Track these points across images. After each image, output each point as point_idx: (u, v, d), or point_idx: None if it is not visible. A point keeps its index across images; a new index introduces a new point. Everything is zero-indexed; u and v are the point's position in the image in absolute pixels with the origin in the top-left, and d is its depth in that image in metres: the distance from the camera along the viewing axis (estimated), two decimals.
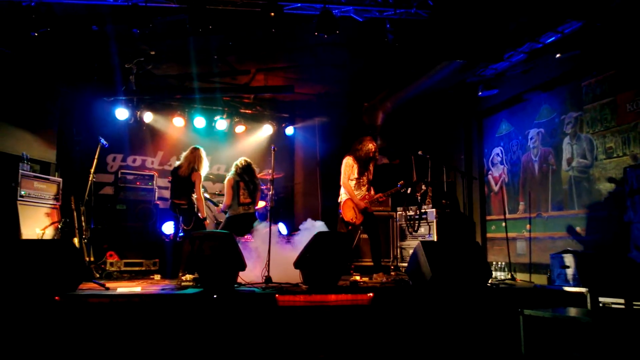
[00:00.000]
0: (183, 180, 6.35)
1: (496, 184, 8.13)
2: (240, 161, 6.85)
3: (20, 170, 6.44)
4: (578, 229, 6.48)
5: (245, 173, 6.74)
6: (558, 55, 6.58)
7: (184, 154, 6.55)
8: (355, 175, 6.42)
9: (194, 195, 6.35)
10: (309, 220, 6.72)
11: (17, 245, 4.95)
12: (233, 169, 6.83)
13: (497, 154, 8.14)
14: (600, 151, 6.24)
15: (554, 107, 7.02)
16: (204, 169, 6.53)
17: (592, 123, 6.39)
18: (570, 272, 5.50)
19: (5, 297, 4.01)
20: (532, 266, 6.98)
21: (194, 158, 6.45)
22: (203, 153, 6.54)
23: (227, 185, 6.73)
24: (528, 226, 7.28)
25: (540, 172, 7.21)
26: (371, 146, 6.43)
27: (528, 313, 3.72)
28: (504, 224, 7.36)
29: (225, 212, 6.82)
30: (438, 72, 7.41)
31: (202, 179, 6.54)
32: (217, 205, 7.56)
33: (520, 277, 6.92)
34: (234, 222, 6.59)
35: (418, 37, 5.92)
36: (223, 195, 7.92)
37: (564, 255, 5.69)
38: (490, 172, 8.31)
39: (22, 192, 6.37)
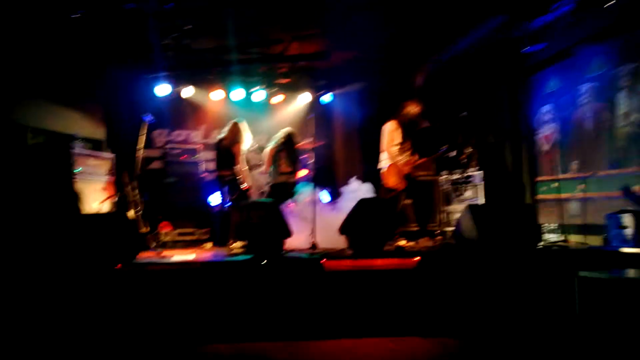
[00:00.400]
0: (225, 152, 6.52)
1: (546, 144, 7.84)
2: (283, 131, 6.93)
3: (74, 149, 6.72)
4: (637, 187, 6.18)
5: (287, 143, 6.80)
6: (611, 2, 6.17)
7: (225, 128, 6.71)
8: (399, 140, 6.32)
9: (237, 167, 6.50)
10: (354, 182, 6.73)
11: (78, 219, 5.21)
12: (276, 139, 6.90)
13: (547, 112, 7.83)
14: None
15: (607, 60, 6.64)
16: (246, 142, 6.67)
17: None
18: (628, 232, 5.29)
19: (70, 268, 4.24)
20: (586, 227, 6.73)
21: (236, 131, 6.60)
22: (244, 126, 6.67)
23: (268, 153, 6.84)
24: (581, 186, 7.00)
25: (594, 129, 6.89)
26: (416, 109, 6.29)
27: (583, 275, 3.61)
28: (555, 185, 7.11)
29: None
30: (481, 28, 7.13)
31: (245, 151, 6.68)
32: None
33: (574, 239, 6.71)
34: (275, 190, 6.71)
35: None
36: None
37: (622, 215, 5.47)
38: (539, 131, 8.01)
39: (78, 169, 6.65)
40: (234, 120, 6.75)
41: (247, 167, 6.80)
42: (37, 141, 7.04)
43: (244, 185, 6.57)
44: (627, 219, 5.37)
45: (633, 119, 6.28)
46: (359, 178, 7.33)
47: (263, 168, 6.98)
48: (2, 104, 6.62)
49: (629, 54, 6.30)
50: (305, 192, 6.79)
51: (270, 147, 6.91)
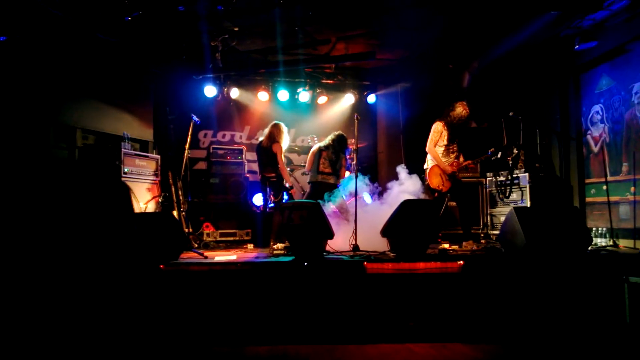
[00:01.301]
0: (266, 152, 6.61)
1: (596, 145, 7.57)
2: (333, 134, 6.99)
3: (123, 149, 6.96)
4: None
5: (331, 144, 6.83)
6: None
7: (265, 130, 6.82)
8: (445, 142, 6.25)
9: (279, 166, 6.59)
10: (401, 172, 6.72)
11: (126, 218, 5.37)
12: (325, 141, 6.99)
13: (597, 112, 7.56)
14: None
15: None
16: (285, 142, 6.76)
17: None
18: None
19: (118, 266, 4.40)
20: (637, 232, 6.48)
21: (274, 131, 6.70)
22: (283, 128, 6.81)
23: (310, 153, 6.97)
24: (632, 189, 6.73)
25: None
26: (464, 111, 6.20)
27: (634, 280, 3.49)
28: (605, 187, 6.86)
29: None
30: (529, 26, 6.96)
31: (284, 151, 6.77)
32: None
33: (624, 243, 6.47)
34: (313, 189, 6.78)
35: None
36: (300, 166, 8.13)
37: None
38: (589, 132, 7.74)
39: (125, 169, 6.90)
40: (274, 122, 6.84)
41: (288, 168, 6.88)
42: (87, 142, 7.33)
43: (288, 186, 6.66)
44: None
45: None
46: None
47: (305, 168, 7.05)
48: (52, 105, 6.89)
49: None
50: (346, 194, 6.80)
51: (314, 147, 6.98)
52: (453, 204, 6.75)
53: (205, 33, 7.39)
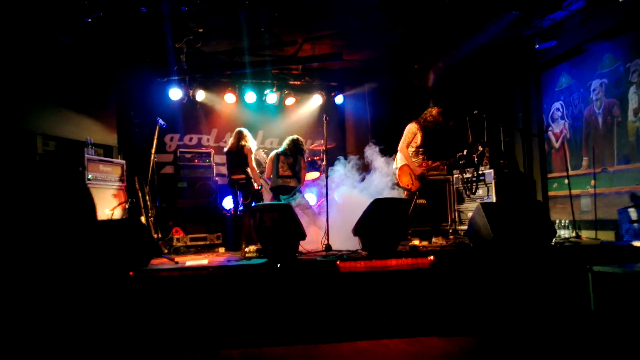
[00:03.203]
0: (236, 155, 6.58)
1: (557, 140, 7.82)
2: (288, 138, 7.03)
3: (86, 155, 6.79)
4: None
5: (288, 149, 6.89)
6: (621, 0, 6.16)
7: (231, 138, 6.84)
8: (418, 144, 6.38)
9: (249, 169, 6.57)
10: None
11: (93, 226, 5.23)
12: (282, 146, 7.03)
13: (557, 109, 7.80)
14: None
15: (617, 56, 6.62)
16: (253, 146, 6.78)
17: None
18: (639, 226, 5.28)
19: (85, 274, 4.29)
20: (598, 223, 6.72)
21: (242, 136, 6.74)
22: (247, 133, 6.84)
23: (268, 159, 7.07)
24: (593, 182, 6.99)
25: (605, 125, 6.87)
26: (440, 118, 6.38)
27: (597, 269, 3.62)
28: (566, 181, 7.10)
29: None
30: (491, 27, 7.12)
31: (254, 153, 6.77)
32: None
33: (586, 234, 6.70)
34: (274, 194, 6.83)
35: None
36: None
37: (633, 209, 5.47)
38: (550, 128, 7.99)
39: (89, 176, 6.72)
40: (238, 129, 6.90)
41: (258, 170, 6.85)
42: (47, 149, 7.11)
43: (257, 187, 6.64)
44: (638, 213, 5.36)
45: None
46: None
47: (265, 175, 7.06)
48: (10, 110, 6.64)
49: (639, 49, 6.28)
50: (312, 195, 6.87)
51: (272, 154, 7.02)
52: (422, 201, 6.84)
53: (169, 35, 7.28)
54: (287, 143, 6.96)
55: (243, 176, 6.57)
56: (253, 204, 6.29)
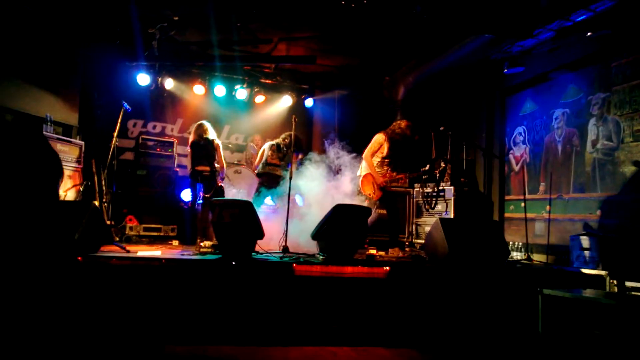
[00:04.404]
0: (204, 148, 6.49)
1: (517, 164, 8.03)
2: (287, 133, 7.18)
3: (44, 132, 6.52)
4: (599, 212, 6.39)
5: (283, 142, 7.17)
6: (589, 34, 6.39)
7: (192, 129, 6.79)
8: (384, 154, 6.41)
9: (216, 163, 6.52)
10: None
11: (41, 205, 5.02)
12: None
13: (520, 133, 8.02)
14: (628, 134, 6.11)
15: (581, 88, 6.86)
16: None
17: (620, 105, 6.24)
18: (589, 254, 5.47)
19: (31, 256, 4.10)
20: (550, 247, 6.92)
21: (205, 129, 6.75)
22: (209, 126, 6.85)
23: (261, 150, 7.46)
24: (548, 207, 7.20)
25: (564, 153, 7.10)
26: (408, 132, 6.44)
27: (547, 292, 3.71)
28: (523, 204, 7.29)
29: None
30: (463, 47, 7.27)
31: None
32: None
33: (537, 257, 6.88)
34: (260, 180, 7.27)
35: (447, 9, 5.78)
36: (240, 165, 8.05)
37: (584, 237, 5.66)
38: (511, 151, 8.20)
39: None
40: (199, 122, 6.87)
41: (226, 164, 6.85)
42: (2, 120, 6.81)
43: (220, 183, 6.60)
44: (589, 242, 5.55)
45: (600, 146, 6.50)
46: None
47: (255, 163, 7.20)
48: None
49: (601, 83, 6.53)
50: (299, 197, 6.93)
51: (266, 144, 7.19)
52: (382, 211, 6.89)
53: (142, 19, 7.10)
54: (284, 137, 7.14)
55: (208, 169, 6.50)
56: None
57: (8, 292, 3.90)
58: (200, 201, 6.62)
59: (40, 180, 4.34)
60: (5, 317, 3.82)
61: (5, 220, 4.17)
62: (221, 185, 6.69)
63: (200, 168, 6.53)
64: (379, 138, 6.45)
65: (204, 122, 6.85)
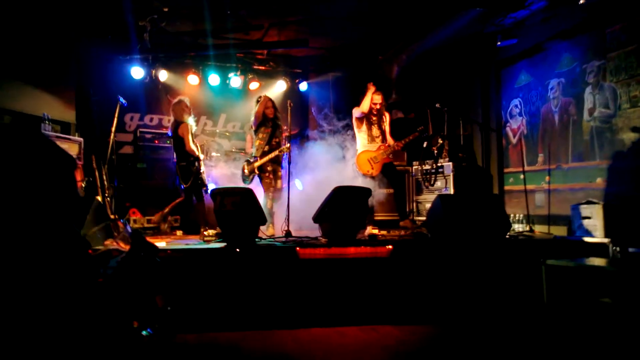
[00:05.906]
0: (174, 138, 6.49)
1: (514, 136, 8.04)
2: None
3: (43, 131, 6.53)
4: (599, 180, 6.42)
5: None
6: (582, 1, 6.34)
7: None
8: (364, 128, 6.43)
9: (188, 148, 6.50)
10: None
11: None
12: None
13: (516, 106, 8.01)
14: (624, 100, 6.10)
15: (575, 56, 6.84)
16: (190, 120, 6.64)
17: (616, 71, 6.22)
18: (591, 222, 5.50)
19: (40, 253, 4.13)
20: (551, 218, 6.97)
21: (177, 111, 6.60)
22: (186, 103, 6.66)
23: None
24: (547, 178, 7.23)
25: (561, 123, 7.10)
26: (377, 98, 6.43)
27: (550, 263, 3.76)
28: (522, 176, 7.32)
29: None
30: (455, 22, 7.23)
31: (193, 129, 6.65)
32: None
33: (539, 229, 6.93)
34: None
35: None
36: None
37: (585, 206, 5.68)
38: (508, 124, 8.20)
39: None
40: (177, 99, 6.71)
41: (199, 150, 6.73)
42: (2, 122, 6.81)
43: (197, 166, 6.58)
44: (590, 210, 5.59)
45: (597, 114, 6.50)
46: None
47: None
48: None
49: (596, 51, 6.50)
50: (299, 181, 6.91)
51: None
52: (382, 190, 6.93)
53: (133, 12, 7.06)
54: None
55: (184, 163, 6.53)
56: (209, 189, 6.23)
57: (17, 292, 3.94)
58: (182, 188, 6.67)
59: (52, 178, 4.34)
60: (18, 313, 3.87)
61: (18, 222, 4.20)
62: (199, 171, 6.61)
63: (175, 160, 6.60)
64: (354, 113, 6.53)
65: (179, 99, 6.73)
